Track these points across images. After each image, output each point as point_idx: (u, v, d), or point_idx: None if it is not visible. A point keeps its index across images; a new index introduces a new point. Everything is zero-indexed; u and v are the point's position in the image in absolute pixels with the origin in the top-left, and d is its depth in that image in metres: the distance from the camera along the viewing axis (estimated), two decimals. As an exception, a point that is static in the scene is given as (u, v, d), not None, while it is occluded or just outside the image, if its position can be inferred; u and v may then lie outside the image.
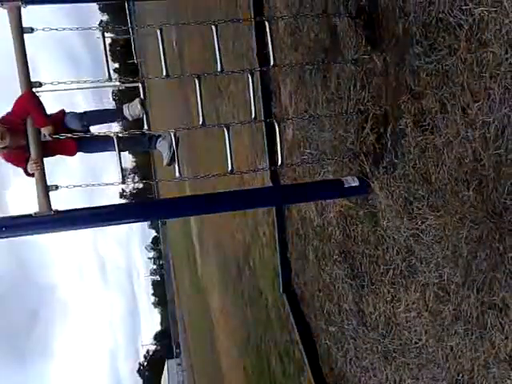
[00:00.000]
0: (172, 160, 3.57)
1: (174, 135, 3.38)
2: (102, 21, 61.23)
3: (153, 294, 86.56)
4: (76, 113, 3.88)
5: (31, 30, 3.11)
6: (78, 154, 3.84)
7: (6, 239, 3.15)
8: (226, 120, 8.11)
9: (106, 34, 3.54)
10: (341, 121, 3.65)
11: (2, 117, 3.58)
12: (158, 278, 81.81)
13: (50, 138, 3.39)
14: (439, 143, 2.50)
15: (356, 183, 3.29)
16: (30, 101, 3.31)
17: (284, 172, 5.22)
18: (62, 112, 3.77)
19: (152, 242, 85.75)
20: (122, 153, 3.35)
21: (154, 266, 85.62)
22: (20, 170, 3.70)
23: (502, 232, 2.11)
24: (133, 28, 18.84)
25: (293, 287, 5.22)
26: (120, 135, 3.29)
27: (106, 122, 4.02)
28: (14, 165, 3.72)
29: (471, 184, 2.28)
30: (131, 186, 78.84)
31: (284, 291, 5.30)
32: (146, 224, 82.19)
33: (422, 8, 2.48)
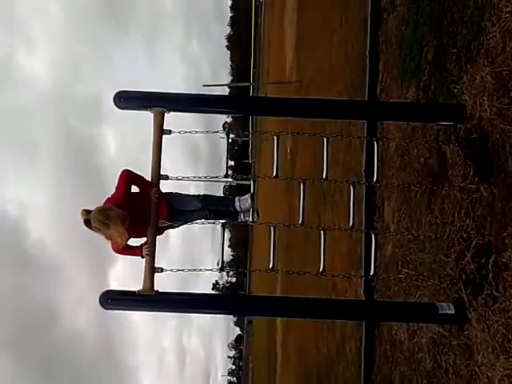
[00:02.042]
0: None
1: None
2: (226, 122, 66.53)
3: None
4: (193, 194, 4.09)
5: (169, 132, 3.41)
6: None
7: (108, 311, 3.42)
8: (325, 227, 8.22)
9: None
10: (442, 245, 3.62)
11: (118, 204, 3.58)
12: (234, 379, 79.05)
13: (155, 200, 3.42)
14: (544, 282, 2.41)
15: (452, 311, 3.18)
16: (132, 173, 3.56)
17: (378, 288, 5.13)
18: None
19: (235, 341, 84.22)
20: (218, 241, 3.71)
21: (233, 367, 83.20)
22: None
23: None
24: (252, 132, 20.09)
25: (374, 413, 4.90)
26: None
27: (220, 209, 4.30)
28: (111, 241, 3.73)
29: None
30: (225, 279, 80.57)
31: (364, 415, 4.98)
32: (231, 321, 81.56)
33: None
